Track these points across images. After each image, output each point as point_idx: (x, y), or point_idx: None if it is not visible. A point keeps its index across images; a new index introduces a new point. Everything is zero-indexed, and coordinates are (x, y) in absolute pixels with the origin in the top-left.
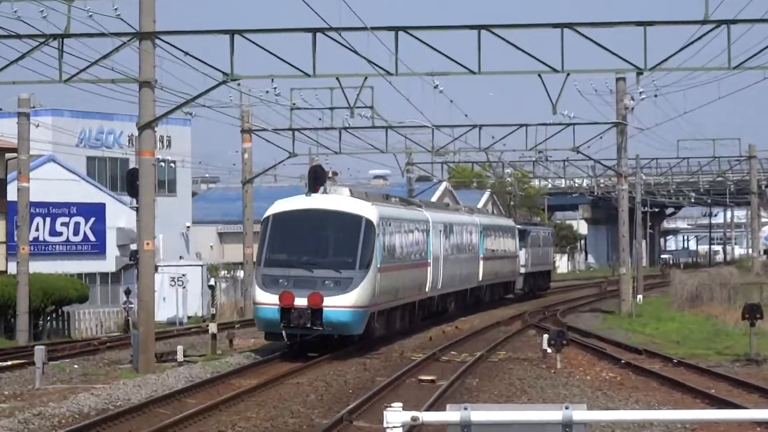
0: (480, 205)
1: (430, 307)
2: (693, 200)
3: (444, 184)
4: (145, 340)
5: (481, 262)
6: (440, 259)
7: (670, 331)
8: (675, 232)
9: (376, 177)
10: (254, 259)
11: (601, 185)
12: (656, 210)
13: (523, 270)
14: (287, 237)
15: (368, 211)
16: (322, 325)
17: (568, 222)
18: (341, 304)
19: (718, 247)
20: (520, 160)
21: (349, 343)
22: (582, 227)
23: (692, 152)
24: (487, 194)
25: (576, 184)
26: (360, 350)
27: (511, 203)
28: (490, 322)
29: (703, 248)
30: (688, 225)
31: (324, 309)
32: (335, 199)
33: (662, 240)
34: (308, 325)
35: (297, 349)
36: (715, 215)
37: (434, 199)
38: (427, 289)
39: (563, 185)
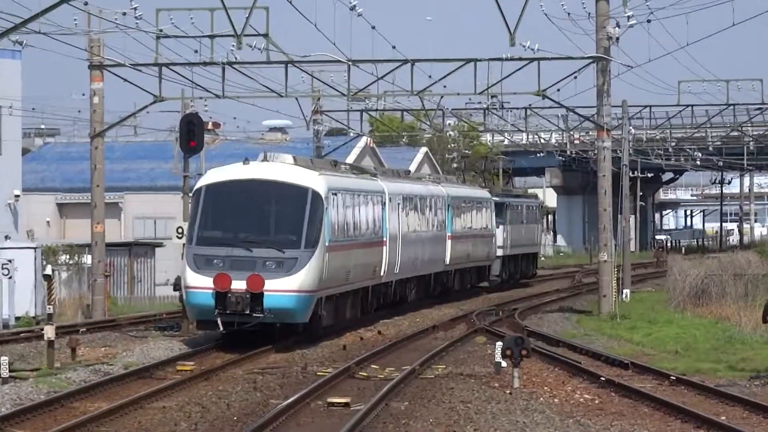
0: (412, 167)
1: (386, 295)
2: (699, 162)
3: (364, 140)
4: None
5: (449, 242)
6: (398, 237)
7: (667, 338)
8: (675, 205)
9: (273, 130)
10: (179, 236)
11: (576, 142)
12: (650, 175)
13: (500, 252)
14: (222, 211)
15: (315, 181)
16: (263, 311)
17: (530, 191)
18: (285, 288)
19: (732, 226)
20: (466, 107)
21: (292, 333)
22: (549, 198)
23: (698, 98)
24: (421, 153)
25: (542, 141)
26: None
27: (454, 165)
28: (444, 318)
29: (712, 227)
30: (692, 196)
31: (265, 293)
32: (277, 168)
33: (657, 216)
34: (247, 312)
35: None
36: (729, 182)
37: (351, 159)
38: (382, 273)
39: (524, 141)
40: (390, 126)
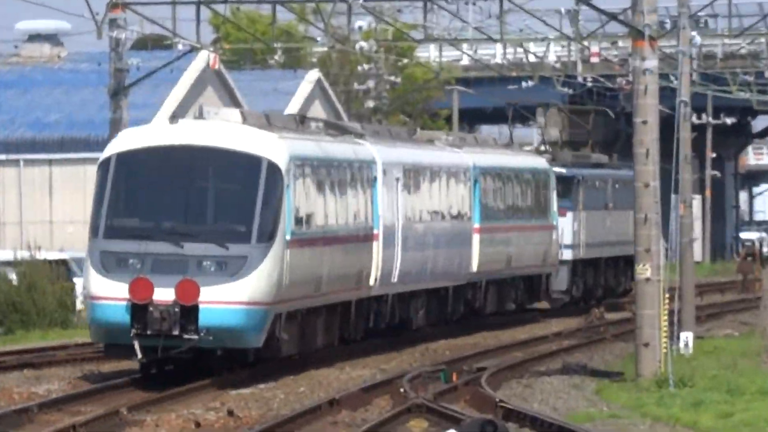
0: (293, 106)
1: (378, 314)
2: None
3: (203, 58)
4: None
5: (476, 238)
6: (397, 230)
7: (762, 422)
8: None
9: (34, 38)
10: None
11: (594, 60)
12: (730, 122)
13: (568, 255)
14: (141, 191)
15: (272, 147)
16: (198, 332)
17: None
18: (229, 298)
19: None
20: None
21: (240, 365)
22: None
23: None
24: (308, 82)
25: (531, 59)
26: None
27: (370, 104)
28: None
29: None
30: None
31: (200, 306)
32: (218, 129)
33: (744, 196)
34: (175, 333)
35: (155, 373)
36: None
37: (178, 93)
38: (372, 281)
39: (499, 60)
40: (251, 33)
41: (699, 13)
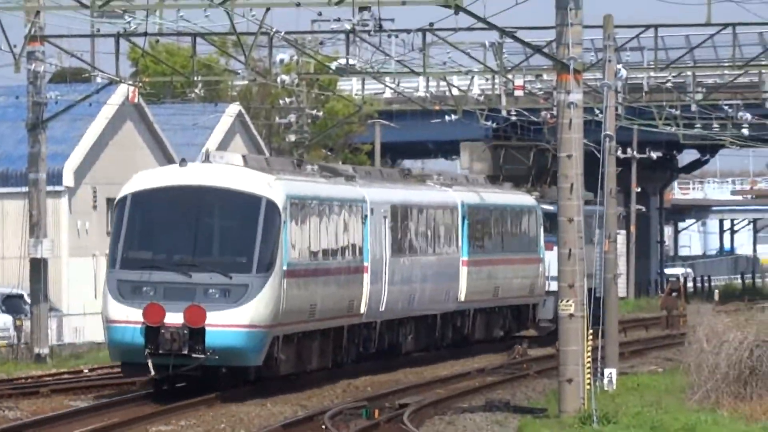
0: (212, 141)
1: (368, 339)
2: (747, 131)
3: (122, 91)
4: None
5: (464, 270)
6: (384, 262)
7: None
8: (701, 210)
9: None
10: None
11: (518, 93)
12: (656, 156)
13: (555, 286)
14: (153, 226)
15: (270, 188)
16: (205, 351)
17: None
18: (232, 321)
19: None
20: (314, 31)
21: (242, 381)
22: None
23: (744, 12)
24: (228, 117)
25: (457, 91)
26: None
27: (291, 138)
28: None
29: None
30: (734, 194)
31: (207, 329)
32: (222, 171)
33: (669, 230)
34: (184, 352)
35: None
36: None
37: (97, 125)
38: (362, 309)
39: (421, 93)
40: (172, 65)
41: (622, 48)
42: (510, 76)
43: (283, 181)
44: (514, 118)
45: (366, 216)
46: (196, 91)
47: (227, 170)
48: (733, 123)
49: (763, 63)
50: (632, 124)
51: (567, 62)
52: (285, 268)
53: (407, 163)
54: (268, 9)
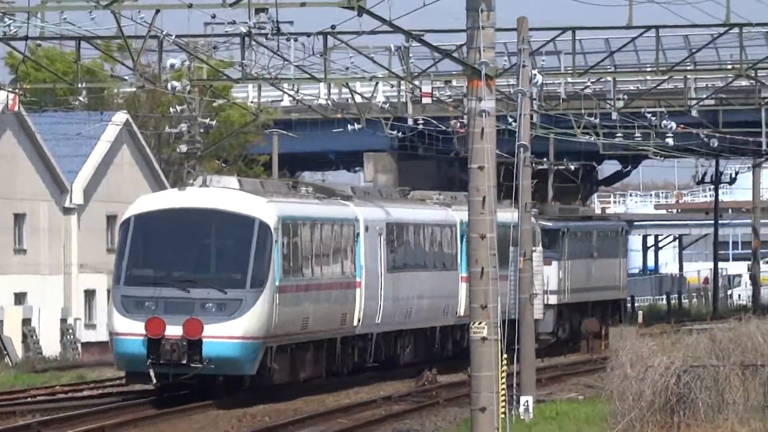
0: (95, 155)
1: (363, 350)
2: (672, 141)
3: (2, 98)
4: None
5: (463, 287)
6: (380, 277)
7: None
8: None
9: None
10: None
11: (426, 101)
12: (574, 167)
13: (554, 299)
14: (155, 246)
15: (263, 209)
16: (202, 361)
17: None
18: (227, 333)
19: (738, 267)
20: (208, 35)
21: (237, 388)
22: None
23: (667, 14)
24: (114, 127)
25: (361, 98)
26: None
27: (182, 150)
28: None
29: (697, 270)
30: (658, 208)
31: (204, 340)
32: (218, 195)
33: None
34: (183, 362)
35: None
36: (730, 181)
37: None
38: (355, 322)
39: (321, 101)
40: (54, 71)
41: (537, 51)
42: (417, 83)
43: (275, 203)
44: (421, 127)
45: (358, 234)
46: (80, 98)
47: (223, 193)
48: (656, 132)
49: (689, 68)
50: (549, 133)
51: (478, 67)
52: (277, 283)
53: (307, 176)
54: (157, 11)
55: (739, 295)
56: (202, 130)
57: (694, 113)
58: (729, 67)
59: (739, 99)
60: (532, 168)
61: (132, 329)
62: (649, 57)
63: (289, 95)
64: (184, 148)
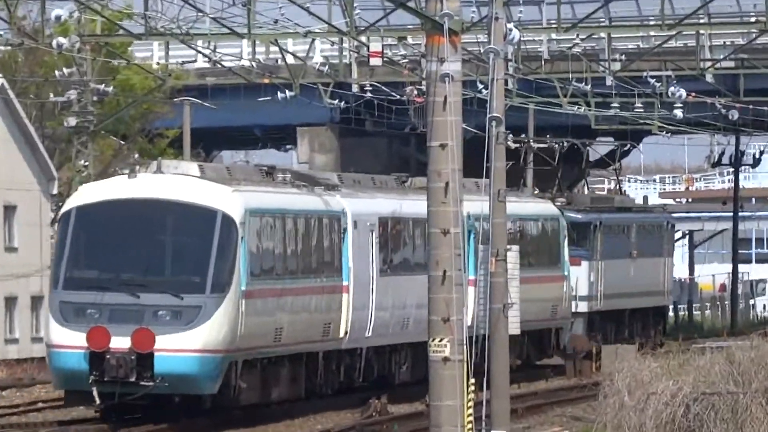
0: None
1: (350, 368)
2: (680, 112)
3: None
4: None
5: (472, 291)
6: (372, 281)
7: None
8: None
9: None
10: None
11: (375, 62)
12: (558, 145)
13: (584, 307)
14: (99, 243)
15: (227, 200)
16: (154, 378)
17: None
18: (183, 346)
19: (762, 268)
20: None
21: (196, 411)
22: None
23: None
24: None
25: (294, 59)
26: None
27: (70, 123)
28: None
29: (711, 274)
30: (662, 196)
31: (156, 354)
32: (174, 183)
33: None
34: (132, 379)
35: (113, 417)
36: (754, 163)
37: None
38: (341, 334)
39: (245, 60)
40: None
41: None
42: (363, 39)
43: (243, 193)
44: (369, 95)
45: (345, 230)
46: None
47: (180, 182)
48: (662, 102)
49: (702, 21)
50: (528, 102)
51: (440, 20)
52: (243, 288)
53: (226, 155)
54: None
55: (764, 306)
56: (95, 99)
57: (708, 78)
58: (752, 20)
59: (766, 60)
60: (507, 146)
61: (71, 341)
62: (653, 7)
63: (204, 55)
64: (72, 121)
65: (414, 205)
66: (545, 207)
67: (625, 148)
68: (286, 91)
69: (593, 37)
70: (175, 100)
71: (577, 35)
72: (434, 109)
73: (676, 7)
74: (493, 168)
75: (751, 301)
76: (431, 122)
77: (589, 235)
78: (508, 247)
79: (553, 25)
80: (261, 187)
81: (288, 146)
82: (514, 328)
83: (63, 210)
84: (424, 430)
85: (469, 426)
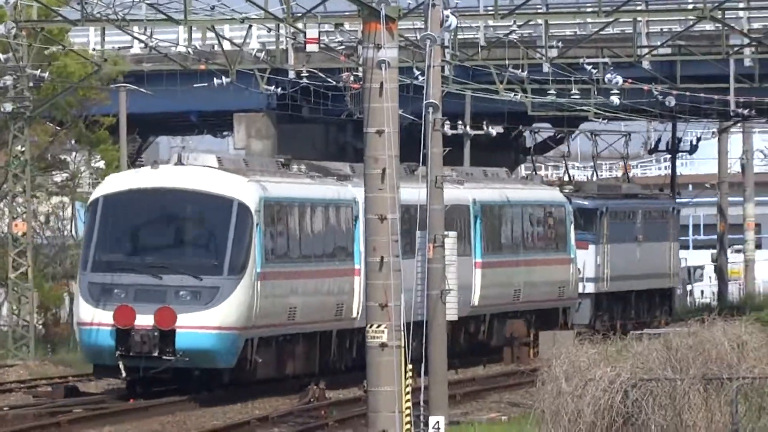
0: None
1: (363, 345)
2: (618, 98)
3: None
4: None
5: (478, 273)
6: None
7: None
8: None
9: None
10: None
11: (313, 49)
12: (496, 133)
13: (591, 288)
14: (124, 229)
15: (243, 189)
16: (175, 353)
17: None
18: (202, 323)
19: (701, 256)
20: None
21: (215, 384)
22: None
23: None
24: None
25: (230, 45)
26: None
27: (5, 107)
28: None
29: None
30: (601, 185)
31: (177, 331)
32: (194, 174)
33: None
34: (155, 354)
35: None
36: (691, 150)
37: None
38: (354, 314)
39: (181, 46)
40: None
41: None
42: (300, 26)
43: (258, 183)
44: (305, 81)
45: (357, 217)
46: None
47: (200, 172)
48: (598, 89)
49: (639, 8)
50: (465, 89)
51: (376, 6)
52: (258, 270)
53: (163, 141)
54: None
55: (702, 292)
56: (31, 85)
57: (645, 65)
58: (690, 7)
59: (702, 47)
60: (444, 132)
61: (99, 319)
62: None
63: (141, 41)
64: (8, 106)
65: (417, 192)
66: (552, 194)
67: (561, 135)
68: (223, 77)
69: (530, 23)
70: (112, 86)
71: (514, 22)
72: (371, 96)
73: None
74: (430, 154)
75: (689, 287)
76: (368, 108)
77: (596, 220)
78: (445, 233)
79: (490, 12)
80: (276, 178)
81: (225, 132)
82: (452, 315)
83: (91, 199)
84: (362, 416)
85: (407, 412)
